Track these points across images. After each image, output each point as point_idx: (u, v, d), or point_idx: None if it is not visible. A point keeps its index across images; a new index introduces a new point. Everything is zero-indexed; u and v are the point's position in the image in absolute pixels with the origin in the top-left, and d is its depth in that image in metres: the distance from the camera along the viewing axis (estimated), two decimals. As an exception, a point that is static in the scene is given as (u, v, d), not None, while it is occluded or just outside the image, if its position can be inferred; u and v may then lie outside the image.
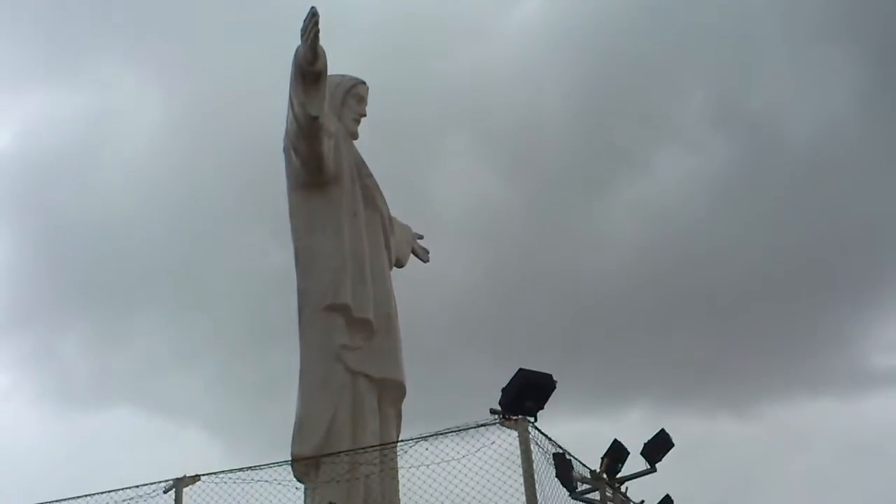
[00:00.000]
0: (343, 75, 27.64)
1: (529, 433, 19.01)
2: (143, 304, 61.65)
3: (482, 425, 19.46)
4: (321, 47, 23.72)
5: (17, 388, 64.37)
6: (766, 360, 57.10)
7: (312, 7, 23.01)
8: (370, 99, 27.68)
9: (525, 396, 19.04)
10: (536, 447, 19.63)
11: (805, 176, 57.95)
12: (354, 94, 27.44)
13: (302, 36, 23.29)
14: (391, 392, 25.44)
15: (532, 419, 19.42)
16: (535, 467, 18.88)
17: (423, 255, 30.79)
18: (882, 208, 57.38)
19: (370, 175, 26.95)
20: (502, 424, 19.39)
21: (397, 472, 24.21)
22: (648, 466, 24.37)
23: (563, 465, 21.27)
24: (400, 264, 29.80)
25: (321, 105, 23.98)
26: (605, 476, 22.73)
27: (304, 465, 23.88)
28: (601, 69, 60.11)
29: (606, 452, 23.87)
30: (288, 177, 26.10)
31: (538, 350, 56.45)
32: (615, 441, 24.03)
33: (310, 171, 25.54)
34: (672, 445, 24.71)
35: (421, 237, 30.75)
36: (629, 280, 57.36)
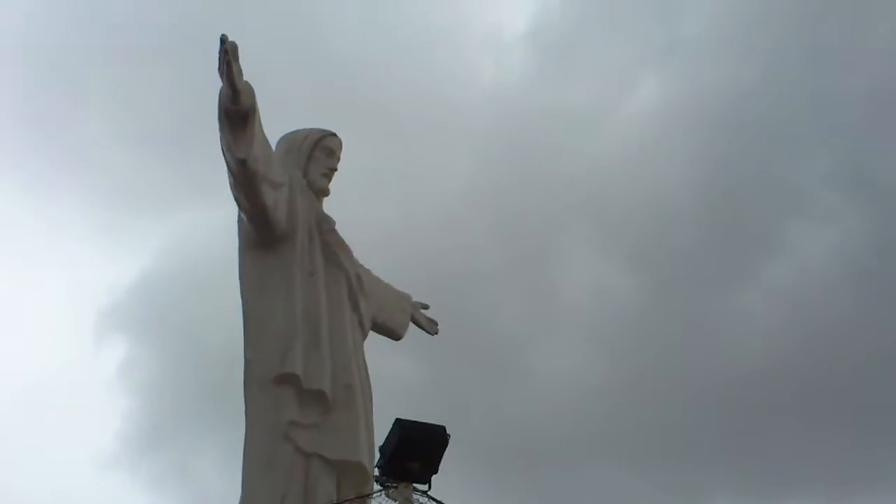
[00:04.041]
0: (313, 128, 25.26)
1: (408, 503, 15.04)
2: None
3: (356, 498, 15.66)
4: (246, 83, 21.33)
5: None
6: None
7: (222, 35, 20.73)
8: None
9: (407, 456, 15.14)
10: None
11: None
12: (324, 146, 24.80)
13: (219, 71, 21.06)
14: (352, 476, 21.40)
15: (424, 485, 15.45)
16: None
17: (429, 327, 27.18)
18: None
19: (332, 231, 23.97)
20: (387, 494, 15.52)
21: None
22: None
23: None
24: (396, 335, 26.38)
25: (249, 147, 21.43)
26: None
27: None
28: (723, 144, 55.47)
29: None
30: (239, 236, 23.58)
31: (672, 449, 51.02)
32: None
33: (257, 227, 22.92)
34: None
35: (426, 307, 27.27)
36: (770, 369, 50.98)
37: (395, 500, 14.76)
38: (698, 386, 50.94)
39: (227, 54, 20.61)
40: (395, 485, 14.89)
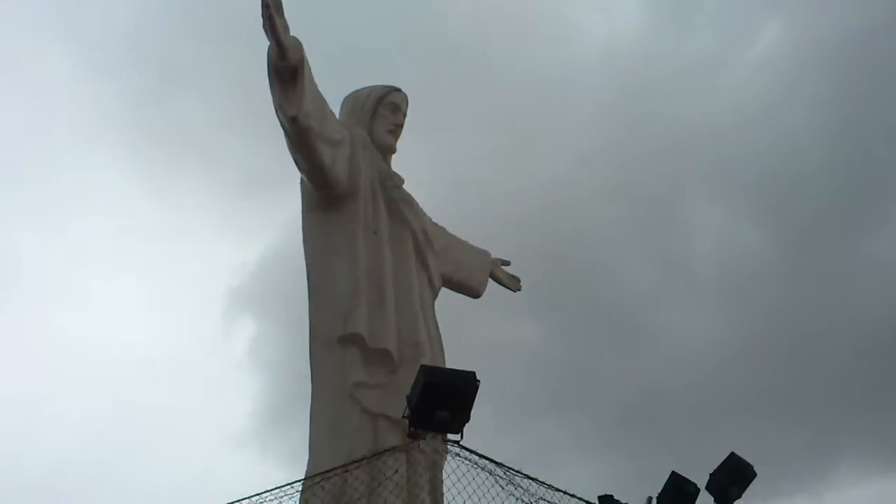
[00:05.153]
0: (376, 85, 24.59)
1: (442, 454, 14.13)
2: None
3: (384, 452, 14.85)
4: (293, 38, 20.77)
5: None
6: None
7: None
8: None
9: (434, 404, 14.23)
10: (482, 472, 14.66)
11: None
12: (388, 103, 24.11)
13: (263, 28, 20.58)
14: (421, 435, 21.01)
15: (457, 436, 14.53)
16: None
17: (510, 284, 26.20)
18: None
19: (397, 187, 23.28)
20: (415, 444, 14.68)
21: None
22: (718, 505, 18.01)
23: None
24: (475, 293, 25.57)
25: (300, 104, 20.86)
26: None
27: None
28: (854, 87, 51.84)
29: (663, 488, 18.00)
30: (302, 199, 23.16)
31: (814, 412, 48.44)
32: (673, 474, 18.04)
33: (317, 186, 22.42)
34: (754, 475, 18.12)
35: (507, 263, 26.30)
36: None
37: (425, 452, 13.74)
38: (830, 340, 48.01)
39: (269, 8, 20.10)
40: (423, 435, 13.85)
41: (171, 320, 57.47)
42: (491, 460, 14.42)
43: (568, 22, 56.09)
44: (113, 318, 56.72)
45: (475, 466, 14.27)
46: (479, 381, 14.12)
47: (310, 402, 21.51)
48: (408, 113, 24.55)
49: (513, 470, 14.71)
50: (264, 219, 57.05)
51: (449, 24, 53.66)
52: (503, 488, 14.49)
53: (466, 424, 14.24)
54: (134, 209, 54.72)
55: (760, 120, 52.89)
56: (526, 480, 14.88)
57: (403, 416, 14.44)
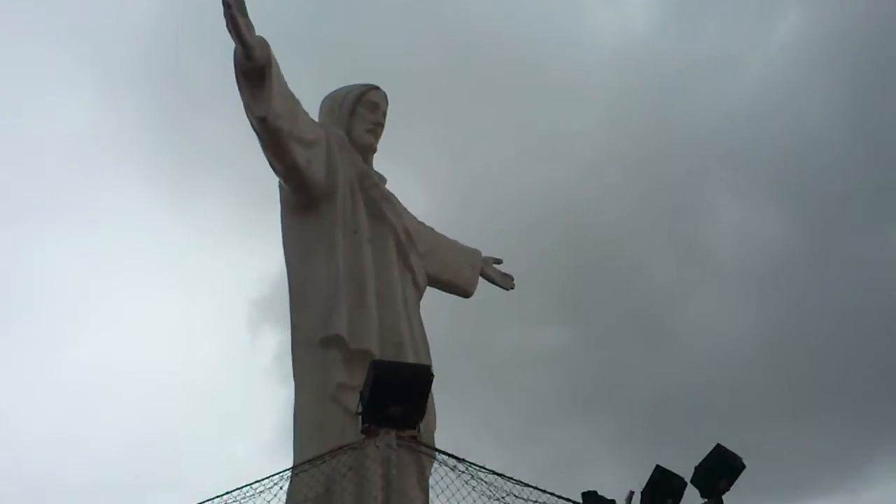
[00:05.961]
0: (355, 84, 24.26)
1: (392, 451, 13.67)
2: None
3: (340, 449, 14.42)
4: (259, 37, 20.51)
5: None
6: None
7: None
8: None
9: (386, 399, 13.83)
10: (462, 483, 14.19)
11: None
12: (366, 101, 23.78)
13: (227, 28, 20.32)
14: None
15: (414, 431, 14.08)
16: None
17: (503, 282, 25.73)
18: None
19: (376, 185, 22.94)
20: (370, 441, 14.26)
21: None
22: (705, 500, 17.37)
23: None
24: (465, 292, 25.15)
25: (269, 104, 20.58)
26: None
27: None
28: (870, 75, 50.85)
29: (646, 484, 17.41)
30: (280, 202, 22.93)
31: (847, 406, 47.41)
32: (657, 468, 17.44)
33: (294, 188, 22.16)
34: (742, 467, 17.48)
35: (499, 261, 25.86)
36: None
37: (378, 448, 13.34)
38: (860, 332, 46.91)
39: (230, 8, 19.87)
40: (377, 432, 13.45)
41: (197, 332, 57.59)
42: (452, 456, 13.98)
43: (578, 21, 55.62)
44: (137, 332, 56.99)
45: (442, 465, 13.80)
46: (432, 374, 13.72)
47: (293, 404, 21.28)
48: (387, 112, 24.20)
49: (476, 465, 14.22)
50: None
51: (460, 28, 53.38)
52: (466, 483, 14.00)
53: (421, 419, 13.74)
54: (156, 223, 54.94)
55: (778, 109, 52.15)
56: (491, 476, 14.37)
57: (357, 413, 14.01)
